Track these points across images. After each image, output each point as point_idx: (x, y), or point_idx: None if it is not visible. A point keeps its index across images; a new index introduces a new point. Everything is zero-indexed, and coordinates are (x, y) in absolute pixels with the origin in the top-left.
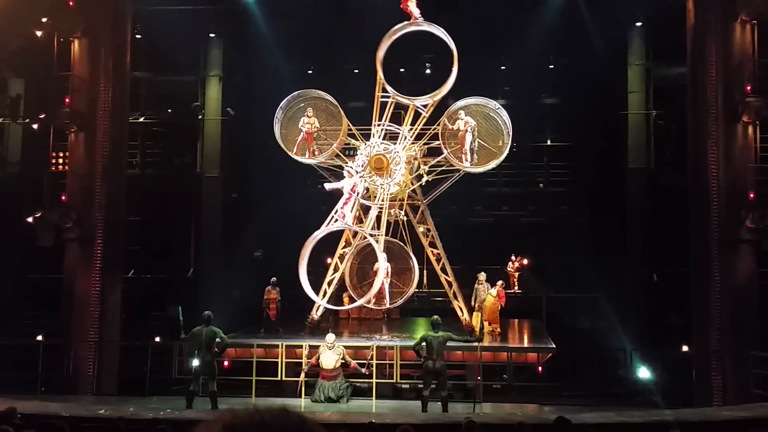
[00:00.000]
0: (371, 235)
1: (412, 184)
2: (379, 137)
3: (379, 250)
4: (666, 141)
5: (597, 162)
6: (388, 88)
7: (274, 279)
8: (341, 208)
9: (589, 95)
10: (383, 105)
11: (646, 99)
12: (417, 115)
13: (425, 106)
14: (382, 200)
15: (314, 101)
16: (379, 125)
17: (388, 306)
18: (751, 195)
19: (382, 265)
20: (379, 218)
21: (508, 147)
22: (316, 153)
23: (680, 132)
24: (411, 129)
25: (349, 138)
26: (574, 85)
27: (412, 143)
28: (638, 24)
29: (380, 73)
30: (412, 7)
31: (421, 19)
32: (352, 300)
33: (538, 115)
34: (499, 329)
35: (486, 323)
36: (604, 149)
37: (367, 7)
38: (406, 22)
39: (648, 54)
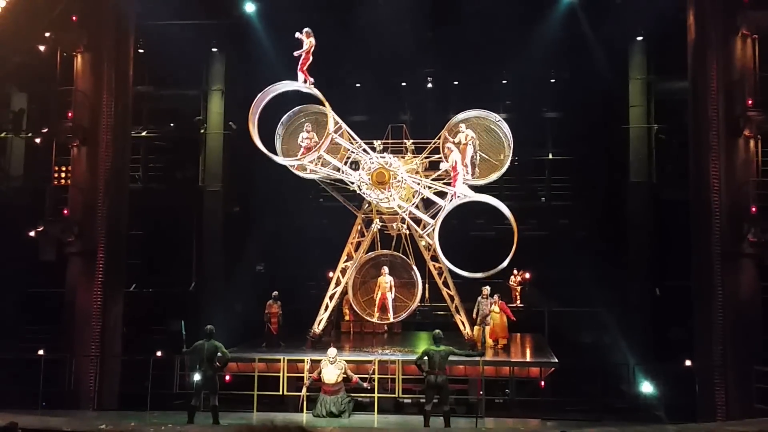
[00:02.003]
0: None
1: (414, 198)
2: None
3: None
4: (667, 155)
5: (598, 176)
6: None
7: (275, 293)
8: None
9: (591, 109)
10: None
11: (648, 113)
12: None
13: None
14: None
15: (315, 116)
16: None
17: (392, 320)
18: (753, 209)
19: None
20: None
21: (509, 160)
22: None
23: (682, 146)
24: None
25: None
26: (576, 99)
27: (414, 157)
28: (639, 38)
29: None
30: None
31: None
32: (353, 313)
33: (540, 129)
34: (505, 341)
35: (490, 339)
36: (606, 163)
37: (370, 21)
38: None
39: (649, 68)
